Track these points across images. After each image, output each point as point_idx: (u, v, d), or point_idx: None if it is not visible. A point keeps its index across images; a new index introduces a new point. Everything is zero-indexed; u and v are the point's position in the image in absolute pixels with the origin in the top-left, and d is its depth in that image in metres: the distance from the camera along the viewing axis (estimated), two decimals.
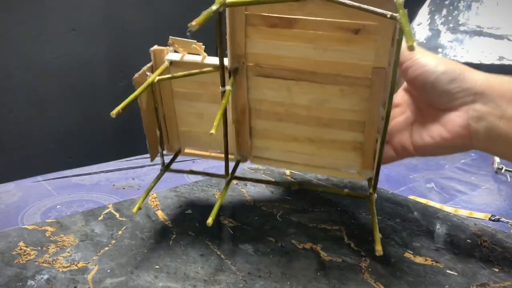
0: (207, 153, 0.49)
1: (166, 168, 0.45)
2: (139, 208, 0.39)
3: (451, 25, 1.77)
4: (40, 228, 0.49)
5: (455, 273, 0.41)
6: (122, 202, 0.56)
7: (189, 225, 0.49)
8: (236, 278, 0.40)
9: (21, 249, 0.44)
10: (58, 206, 0.55)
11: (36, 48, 1.41)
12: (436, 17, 1.83)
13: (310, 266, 0.42)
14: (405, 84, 0.49)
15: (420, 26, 1.86)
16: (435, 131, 0.43)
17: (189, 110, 0.46)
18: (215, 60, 0.43)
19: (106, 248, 0.45)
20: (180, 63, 0.44)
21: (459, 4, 1.77)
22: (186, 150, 0.49)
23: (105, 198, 0.58)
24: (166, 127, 0.47)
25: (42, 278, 0.39)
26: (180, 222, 0.50)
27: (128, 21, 1.58)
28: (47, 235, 0.47)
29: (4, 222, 0.51)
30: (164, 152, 0.48)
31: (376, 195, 0.43)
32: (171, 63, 0.44)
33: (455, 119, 0.42)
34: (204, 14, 0.32)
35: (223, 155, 0.47)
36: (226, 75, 0.42)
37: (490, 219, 0.54)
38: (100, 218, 0.51)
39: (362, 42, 0.38)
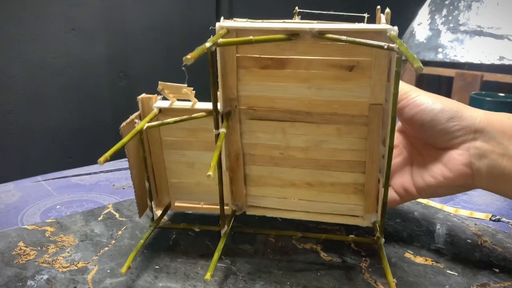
0: (199, 206, 0.47)
1: (155, 224, 0.44)
2: (129, 268, 0.38)
3: (451, 25, 1.77)
4: (40, 228, 0.49)
5: (456, 273, 0.41)
6: (122, 202, 0.56)
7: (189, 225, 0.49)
8: (236, 278, 0.40)
9: (20, 249, 0.44)
10: (58, 206, 0.55)
11: (36, 48, 1.41)
12: (436, 17, 1.83)
13: (310, 266, 0.42)
14: (399, 124, 0.48)
15: (421, 26, 1.86)
16: (437, 171, 0.42)
17: (180, 160, 0.45)
18: (206, 106, 0.42)
19: (106, 248, 0.45)
20: (169, 110, 0.43)
21: (460, 4, 1.77)
22: (176, 204, 0.47)
23: (105, 198, 0.58)
24: (155, 180, 0.46)
25: (42, 278, 0.39)
26: (180, 222, 0.50)
27: (128, 21, 1.58)
28: (47, 235, 0.47)
29: (4, 222, 0.51)
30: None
31: (383, 238, 0.41)
32: (160, 110, 0.43)
33: (457, 158, 0.41)
34: (198, 49, 0.31)
35: (215, 207, 0.46)
36: (219, 119, 0.41)
37: (490, 219, 0.53)
38: (100, 218, 0.51)
39: (357, 79, 0.38)
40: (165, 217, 0.51)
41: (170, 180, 0.46)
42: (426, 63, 1.79)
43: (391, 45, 0.32)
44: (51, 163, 1.49)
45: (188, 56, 0.30)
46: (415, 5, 1.90)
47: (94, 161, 0.73)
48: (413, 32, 1.86)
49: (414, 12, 1.88)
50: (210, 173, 0.31)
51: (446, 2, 1.82)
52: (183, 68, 0.34)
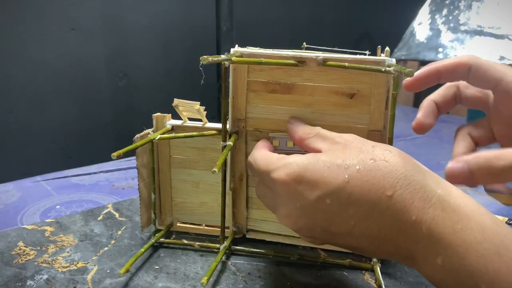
0: (201, 227, 0.48)
1: (157, 238, 0.45)
2: (127, 271, 0.39)
3: (451, 25, 1.77)
4: (39, 228, 0.48)
5: None
6: (122, 202, 0.56)
7: None
8: (236, 278, 0.40)
9: (20, 249, 0.44)
10: (57, 206, 0.55)
11: (36, 48, 1.41)
12: (436, 16, 1.83)
13: (310, 266, 0.42)
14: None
15: (421, 26, 1.86)
16: None
17: (186, 179, 0.47)
18: (215, 126, 0.44)
19: (106, 248, 0.45)
20: (181, 128, 0.45)
21: (460, 4, 1.77)
22: (179, 224, 0.48)
23: (105, 198, 0.58)
24: (160, 198, 0.47)
25: (41, 278, 0.39)
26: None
27: (128, 21, 1.58)
28: (47, 235, 0.47)
29: (4, 222, 0.51)
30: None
31: (380, 264, 0.41)
32: (173, 128, 0.45)
33: None
34: (215, 56, 0.35)
35: (216, 229, 0.47)
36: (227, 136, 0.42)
37: (507, 222, 0.52)
38: (99, 218, 0.51)
39: (357, 106, 0.40)
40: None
41: (175, 199, 0.48)
42: (426, 63, 1.79)
43: (388, 68, 0.35)
44: (51, 163, 1.49)
45: (205, 56, 0.34)
46: (415, 5, 1.90)
47: (94, 161, 0.73)
48: (413, 32, 1.86)
49: (414, 12, 1.88)
50: (215, 169, 0.34)
51: (447, 2, 1.81)
52: (200, 68, 0.36)
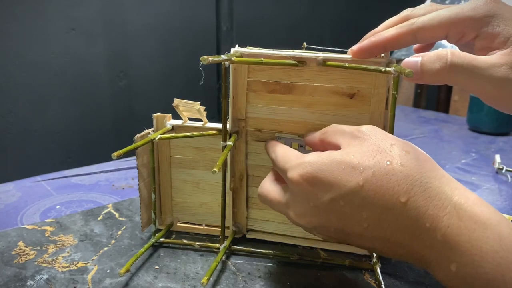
0: (201, 227, 0.48)
1: (157, 238, 0.45)
2: (128, 270, 0.39)
3: None
4: (39, 228, 0.48)
5: None
6: (122, 202, 0.56)
7: None
8: (236, 278, 0.40)
9: (20, 249, 0.44)
10: (57, 206, 0.55)
11: (36, 48, 1.41)
12: None
13: (310, 266, 0.42)
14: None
15: None
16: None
17: (186, 179, 0.47)
18: (216, 126, 0.44)
19: (106, 248, 0.45)
20: (181, 128, 0.45)
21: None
22: (179, 224, 0.48)
23: (105, 198, 0.58)
24: (160, 198, 0.48)
25: (41, 278, 0.39)
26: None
27: (128, 21, 1.58)
28: (47, 235, 0.47)
29: (4, 222, 0.51)
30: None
31: (380, 264, 0.42)
32: (173, 127, 0.45)
33: None
34: (215, 56, 0.35)
35: (216, 229, 0.47)
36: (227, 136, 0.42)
37: None
38: (99, 218, 0.51)
39: (357, 106, 0.40)
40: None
41: (175, 199, 0.48)
42: None
43: (387, 68, 0.35)
44: (51, 163, 1.49)
45: (205, 56, 0.34)
46: (415, 4, 1.90)
47: (94, 161, 0.73)
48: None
49: None
50: (215, 169, 0.34)
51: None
52: (200, 68, 0.36)
